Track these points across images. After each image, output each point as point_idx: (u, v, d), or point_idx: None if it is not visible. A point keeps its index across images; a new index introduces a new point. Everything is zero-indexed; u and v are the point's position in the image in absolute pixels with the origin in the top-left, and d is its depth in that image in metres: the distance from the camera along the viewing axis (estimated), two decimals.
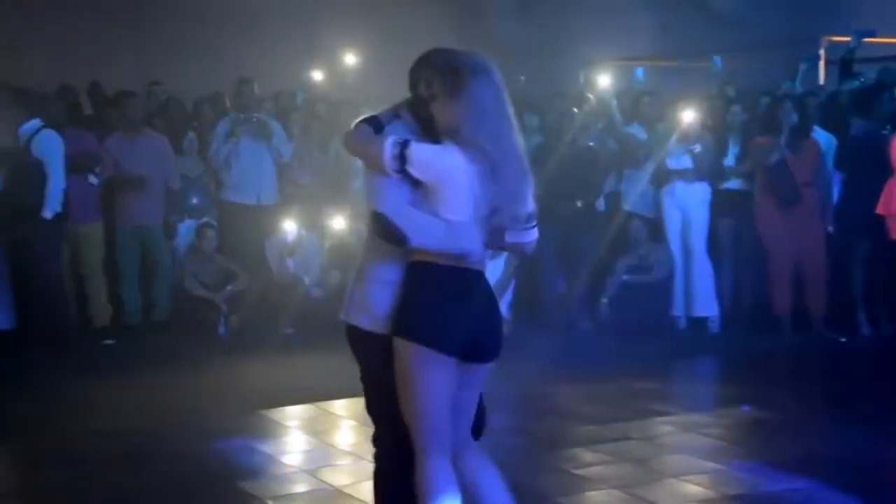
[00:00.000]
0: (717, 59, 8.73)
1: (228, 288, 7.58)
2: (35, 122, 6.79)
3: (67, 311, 7.09)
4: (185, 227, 7.86)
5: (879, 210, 6.82)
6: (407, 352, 2.96)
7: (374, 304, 3.03)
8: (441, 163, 2.96)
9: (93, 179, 7.32)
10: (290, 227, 7.57)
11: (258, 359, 6.74)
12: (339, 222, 7.70)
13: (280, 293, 7.58)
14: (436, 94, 2.98)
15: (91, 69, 9.61)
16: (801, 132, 7.12)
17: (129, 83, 8.33)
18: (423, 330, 2.95)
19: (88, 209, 7.28)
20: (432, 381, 2.97)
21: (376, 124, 3.04)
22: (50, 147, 6.75)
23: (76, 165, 7.04)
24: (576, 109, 7.71)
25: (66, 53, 10.53)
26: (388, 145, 2.92)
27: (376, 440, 3.19)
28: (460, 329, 2.98)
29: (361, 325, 3.06)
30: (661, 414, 5.39)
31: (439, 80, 2.97)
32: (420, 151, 2.94)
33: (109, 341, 7.25)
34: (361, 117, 3.08)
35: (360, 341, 3.08)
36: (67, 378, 6.26)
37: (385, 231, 2.93)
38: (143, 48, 11.26)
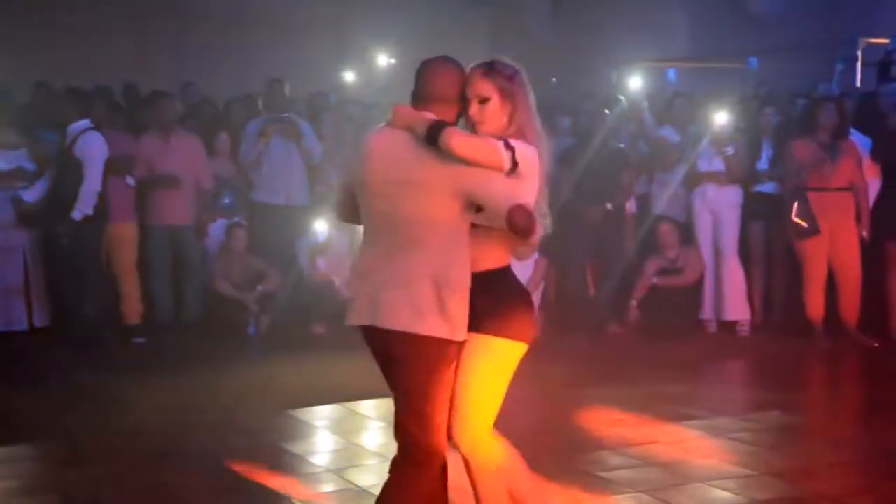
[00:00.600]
0: (753, 60, 8.64)
1: (259, 288, 7.63)
2: (84, 122, 6.89)
3: (103, 311, 7.18)
4: (217, 228, 7.92)
5: None
6: (510, 352, 3.14)
7: (461, 312, 3.08)
8: (533, 158, 3.11)
9: (130, 181, 7.41)
10: (320, 227, 7.61)
11: (288, 359, 6.77)
12: None
13: (310, 293, 7.62)
14: (488, 98, 3.13)
15: (126, 70, 9.72)
16: (839, 134, 7.03)
17: (164, 84, 8.43)
18: (532, 330, 3.19)
19: (125, 209, 7.36)
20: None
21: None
22: (91, 148, 6.85)
23: (115, 167, 7.13)
24: (607, 111, 7.69)
25: (102, 54, 10.67)
26: (500, 144, 3.05)
27: (414, 440, 3.15)
28: None
29: (440, 334, 3.06)
30: (689, 418, 5.35)
31: (495, 85, 3.13)
32: (519, 149, 3.08)
33: (140, 340, 7.33)
34: (436, 124, 3.06)
35: (431, 349, 3.07)
36: (99, 376, 6.33)
37: (525, 223, 2.96)
38: (177, 49, 11.39)
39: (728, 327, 7.53)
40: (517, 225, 2.93)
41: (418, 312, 3.04)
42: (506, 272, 3.21)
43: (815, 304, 7.09)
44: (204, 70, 10.18)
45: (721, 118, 7.38)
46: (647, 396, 5.82)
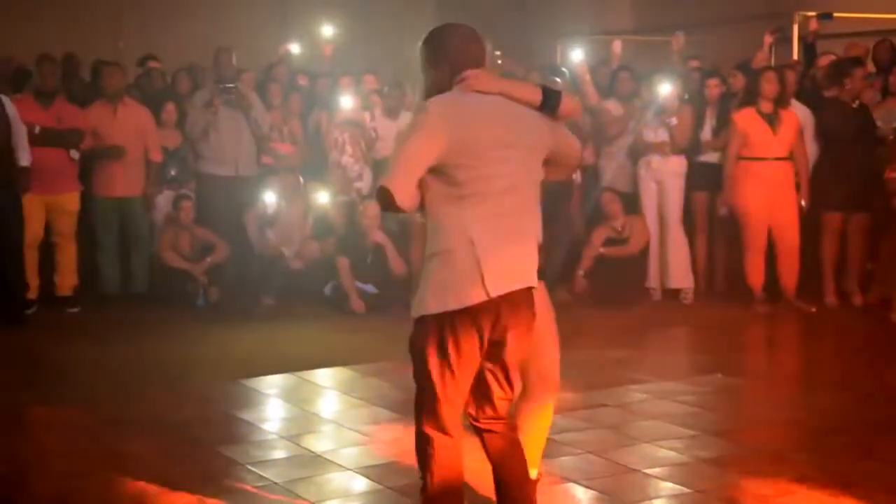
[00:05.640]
0: (680, 33, 8.81)
1: (207, 259, 7.59)
2: None
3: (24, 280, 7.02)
4: (163, 199, 7.85)
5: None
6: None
7: None
8: None
9: (74, 155, 7.27)
10: (269, 198, 7.59)
11: (238, 330, 6.77)
12: (322, 195, 7.76)
13: (260, 265, 7.61)
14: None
15: (66, 40, 9.53)
16: (780, 103, 7.18)
17: (105, 54, 8.29)
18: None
19: (67, 179, 7.24)
20: None
21: None
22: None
23: (60, 140, 7.02)
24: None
25: (38, 25, 10.44)
26: None
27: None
28: None
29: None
30: (635, 382, 5.48)
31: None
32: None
33: (74, 310, 7.26)
34: (552, 91, 3.16)
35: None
36: (48, 347, 6.29)
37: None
38: (120, 19, 11.18)
39: (672, 295, 7.69)
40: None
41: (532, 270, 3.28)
42: None
43: (756, 272, 7.27)
44: (147, 41, 10.02)
45: (665, 89, 7.50)
46: (595, 362, 5.93)
